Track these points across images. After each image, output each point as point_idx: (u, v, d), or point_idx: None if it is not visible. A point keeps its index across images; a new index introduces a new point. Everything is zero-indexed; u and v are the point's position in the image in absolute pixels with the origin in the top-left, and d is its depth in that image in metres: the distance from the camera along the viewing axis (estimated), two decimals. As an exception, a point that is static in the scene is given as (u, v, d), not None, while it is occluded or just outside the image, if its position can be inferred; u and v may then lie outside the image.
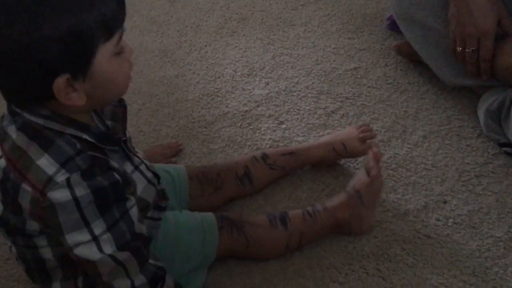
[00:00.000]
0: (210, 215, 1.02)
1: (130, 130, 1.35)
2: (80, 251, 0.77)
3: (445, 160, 1.25)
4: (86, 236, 0.76)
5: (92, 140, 0.78)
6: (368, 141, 1.19)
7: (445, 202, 1.16)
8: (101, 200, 0.76)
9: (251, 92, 1.47)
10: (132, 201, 0.83)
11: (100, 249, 0.78)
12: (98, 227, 0.77)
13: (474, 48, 1.22)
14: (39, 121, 0.76)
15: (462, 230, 1.11)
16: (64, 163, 0.74)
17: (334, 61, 1.56)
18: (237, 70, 1.54)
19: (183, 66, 1.57)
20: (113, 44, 0.75)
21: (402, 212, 1.14)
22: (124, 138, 0.87)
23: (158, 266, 0.87)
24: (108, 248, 0.78)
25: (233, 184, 1.13)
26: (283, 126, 1.36)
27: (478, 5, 1.19)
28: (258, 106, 1.42)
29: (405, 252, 1.07)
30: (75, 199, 0.74)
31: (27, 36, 0.68)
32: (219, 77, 1.52)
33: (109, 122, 0.87)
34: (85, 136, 0.77)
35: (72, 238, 0.76)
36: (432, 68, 1.40)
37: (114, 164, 0.80)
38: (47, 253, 0.84)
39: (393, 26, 1.59)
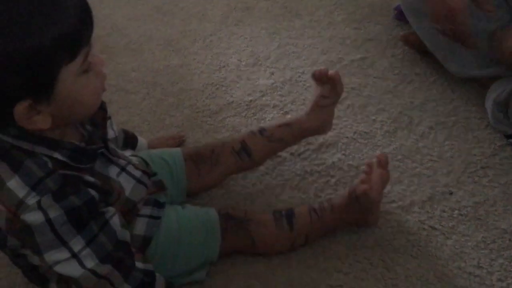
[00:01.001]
0: (214, 215, 1.00)
1: (135, 120, 1.36)
2: (61, 269, 0.76)
3: (451, 152, 1.24)
4: (65, 254, 0.75)
5: (64, 159, 0.75)
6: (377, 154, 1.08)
7: (450, 194, 1.15)
8: (76, 219, 0.74)
9: (256, 82, 1.46)
10: (111, 211, 0.81)
11: (81, 264, 0.76)
12: (77, 244, 0.75)
13: (452, 27, 1.20)
14: (8, 139, 0.72)
15: (468, 221, 1.10)
16: (34, 186, 0.71)
17: (340, 51, 1.54)
18: (242, 60, 1.53)
19: (188, 55, 1.56)
20: (78, 64, 0.70)
21: (407, 203, 1.14)
22: (101, 147, 0.83)
23: (146, 272, 0.85)
24: (90, 262, 0.77)
25: (231, 159, 1.11)
26: (288, 116, 1.35)
27: None
28: (263, 96, 1.41)
29: (409, 243, 1.06)
30: (48, 220, 0.72)
31: None
32: (224, 66, 1.51)
33: (88, 127, 0.83)
34: (56, 155, 0.74)
35: (50, 256, 0.75)
36: (439, 59, 1.39)
37: (89, 178, 0.77)
38: (36, 260, 0.82)
39: (400, 16, 1.58)
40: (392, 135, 1.29)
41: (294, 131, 1.16)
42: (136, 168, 0.91)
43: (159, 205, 0.96)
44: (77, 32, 0.68)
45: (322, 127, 1.18)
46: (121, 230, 0.82)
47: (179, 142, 1.29)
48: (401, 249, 1.05)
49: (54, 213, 0.72)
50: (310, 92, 1.41)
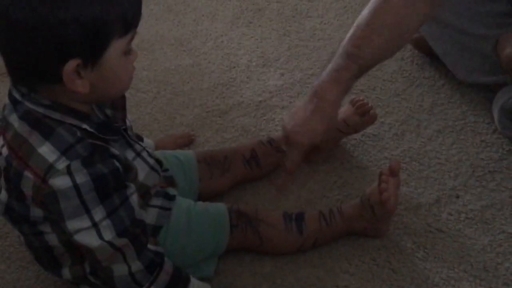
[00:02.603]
0: (223, 210, 1.02)
1: (145, 118, 1.37)
2: (80, 238, 0.79)
3: (459, 155, 1.25)
4: (86, 223, 0.78)
5: (92, 130, 0.79)
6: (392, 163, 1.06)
7: (457, 197, 1.16)
8: (101, 187, 0.77)
9: (265, 82, 1.47)
10: (132, 188, 0.84)
11: (100, 236, 0.79)
12: (98, 214, 0.78)
13: None
14: (40, 110, 0.77)
15: (474, 225, 1.11)
16: (65, 151, 0.75)
17: (349, 53, 1.55)
18: (252, 61, 1.54)
19: (199, 55, 1.58)
20: (126, 42, 0.77)
21: (414, 206, 1.14)
22: (124, 127, 0.88)
23: (156, 252, 0.88)
24: (108, 235, 0.80)
25: (241, 167, 1.14)
26: (297, 117, 1.36)
27: None
28: (272, 96, 1.42)
29: (416, 245, 1.07)
30: (76, 186, 0.75)
31: (53, 14, 0.69)
32: (234, 67, 1.53)
33: (108, 111, 0.88)
34: (84, 126, 0.78)
35: (72, 224, 0.78)
36: (447, 65, 1.39)
37: (115, 151, 0.81)
38: (53, 239, 0.85)
39: (410, 20, 1.58)
40: (400, 137, 1.30)
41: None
42: (150, 155, 0.94)
43: (170, 197, 0.98)
44: (135, 13, 0.76)
45: (329, 144, 1.23)
46: (139, 209, 0.85)
47: (189, 141, 1.30)
48: (408, 251, 1.06)
49: (82, 179, 0.75)
50: (319, 94, 1.42)
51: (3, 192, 0.83)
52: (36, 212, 0.81)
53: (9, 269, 1.05)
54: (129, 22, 0.76)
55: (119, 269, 0.84)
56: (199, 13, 1.74)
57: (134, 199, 0.84)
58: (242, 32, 1.65)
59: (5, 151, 0.80)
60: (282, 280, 1.02)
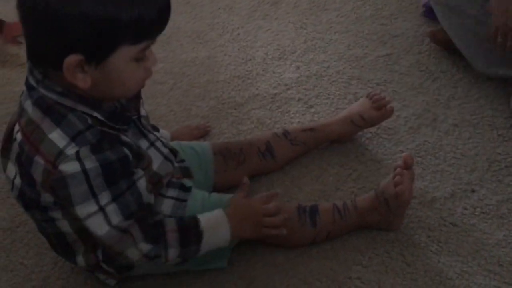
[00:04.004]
0: None
1: (161, 109, 1.39)
2: (90, 223, 0.81)
3: (476, 150, 1.24)
4: (94, 207, 0.79)
5: (102, 118, 0.80)
6: (404, 155, 1.06)
7: (473, 191, 1.15)
8: (109, 173, 0.78)
9: (281, 75, 1.47)
10: (139, 173, 0.85)
11: (107, 221, 0.81)
12: (104, 198, 0.79)
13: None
14: (53, 96, 0.78)
15: (489, 219, 1.10)
16: (74, 137, 0.77)
17: (366, 46, 1.55)
18: (269, 53, 1.55)
19: (215, 47, 1.58)
20: (137, 51, 0.76)
21: (428, 200, 1.14)
22: (135, 116, 0.88)
23: (154, 224, 0.87)
24: (115, 218, 0.81)
25: (256, 159, 1.15)
26: (312, 110, 1.36)
27: None
28: (288, 89, 1.43)
29: (430, 239, 1.07)
30: (84, 171, 0.77)
31: (64, 6, 0.71)
32: (250, 59, 1.53)
33: (123, 100, 0.88)
34: (95, 114, 0.80)
35: (81, 209, 0.79)
36: (466, 56, 1.38)
37: (126, 138, 0.82)
38: (64, 226, 0.87)
39: (428, 13, 1.57)
40: (416, 131, 1.29)
41: (317, 136, 1.20)
42: (164, 145, 0.95)
43: (185, 188, 0.99)
44: (152, 23, 0.75)
45: (344, 138, 1.24)
46: (147, 194, 0.86)
47: (204, 132, 1.31)
48: (421, 244, 1.06)
49: (90, 164, 0.77)
50: (335, 87, 1.42)
51: (18, 176, 0.85)
52: (47, 198, 0.83)
53: (28, 255, 1.07)
54: (143, 31, 0.75)
55: (134, 254, 0.86)
56: (216, 6, 1.74)
57: (142, 183, 0.85)
58: (258, 25, 1.66)
59: (19, 136, 0.82)
60: (295, 271, 1.03)
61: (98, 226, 0.81)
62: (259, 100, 1.40)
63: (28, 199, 0.85)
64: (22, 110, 0.82)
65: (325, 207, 1.05)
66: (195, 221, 0.91)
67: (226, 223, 0.93)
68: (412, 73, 1.45)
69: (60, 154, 0.76)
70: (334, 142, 1.25)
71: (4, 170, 0.88)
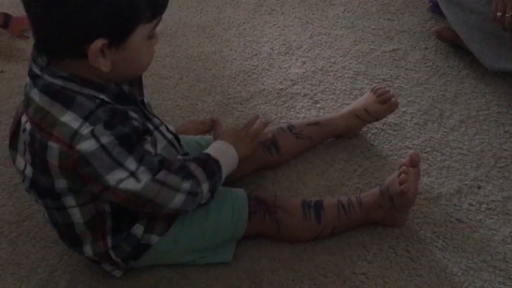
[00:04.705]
0: (242, 195, 1.02)
1: (167, 104, 1.39)
2: (124, 186, 0.82)
3: (482, 146, 1.24)
4: (124, 174, 0.82)
5: (109, 100, 0.82)
6: (410, 152, 1.05)
7: (479, 187, 1.15)
8: (125, 142, 0.81)
9: (287, 70, 1.47)
10: (147, 140, 0.87)
11: (139, 181, 0.83)
12: (131, 164, 0.82)
13: None
14: (59, 82, 0.80)
15: (495, 216, 1.10)
16: (87, 117, 0.79)
17: (372, 42, 1.54)
18: (274, 48, 1.54)
19: (221, 42, 1.58)
20: (151, 28, 0.81)
21: (434, 195, 1.14)
22: (140, 98, 0.91)
23: (180, 166, 0.89)
24: (146, 177, 0.84)
25: (261, 153, 1.14)
26: (318, 105, 1.36)
27: None
28: (294, 84, 1.42)
29: (435, 235, 1.07)
30: (102, 146, 0.79)
31: None
32: (256, 54, 1.53)
33: (126, 87, 0.90)
34: (102, 96, 0.82)
35: (112, 176, 0.81)
36: (473, 51, 1.38)
37: (133, 114, 0.84)
38: (76, 214, 0.88)
39: (435, 8, 1.56)
40: (422, 127, 1.29)
41: (322, 130, 1.20)
42: (168, 131, 0.96)
43: None
44: (162, 1, 0.80)
45: (349, 133, 1.25)
46: (158, 153, 0.89)
47: (210, 127, 1.31)
48: (427, 240, 1.06)
49: (106, 139, 0.79)
50: (341, 82, 1.42)
51: (28, 167, 0.86)
52: (61, 184, 0.84)
53: (34, 248, 1.08)
54: (157, 8, 0.79)
55: (177, 200, 0.88)
56: (222, 1, 1.74)
57: (149, 147, 0.87)
58: (264, 20, 1.65)
59: (28, 126, 0.83)
60: (300, 266, 1.03)
61: (134, 185, 0.83)
62: (265, 95, 1.40)
63: (41, 187, 0.86)
64: (28, 100, 0.83)
65: (330, 203, 1.05)
66: (206, 154, 0.96)
67: (228, 146, 0.99)
68: (418, 68, 1.45)
69: (75, 135, 0.78)
70: (340, 137, 1.25)
71: (14, 162, 0.90)
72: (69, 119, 0.79)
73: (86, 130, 0.78)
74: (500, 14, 1.21)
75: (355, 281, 1.00)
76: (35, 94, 0.81)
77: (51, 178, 0.84)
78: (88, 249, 0.94)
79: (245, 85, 1.44)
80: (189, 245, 0.99)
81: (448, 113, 1.32)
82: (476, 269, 1.01)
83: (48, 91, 0.80)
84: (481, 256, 1.03)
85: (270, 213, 1.02)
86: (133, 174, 0.82)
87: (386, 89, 1.22)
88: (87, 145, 0.78)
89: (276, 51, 1.53)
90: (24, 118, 0.85)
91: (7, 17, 1.61)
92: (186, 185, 0.88)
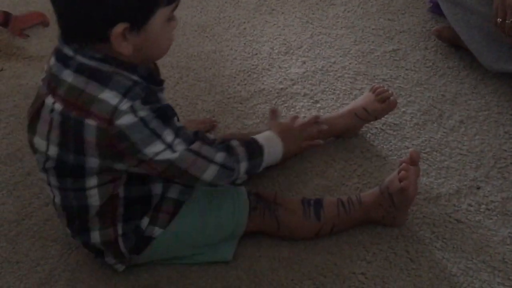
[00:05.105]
0: (243, 192, 1.03)
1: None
2: (160, 157, 0.85)
3: (481, 146, 1.24)
4: (161, 146, 0.85)
5: (141, 81, 0.85)
6: (411, 150, 1.07)
7: (478, 188, 1.15)
8: (162, 115, 0.85)
9: (287, 70, 1.47)
10: (176, 119, 0.91)
11: (175, 152, 0.86)
12: (168, 136, 0.85)
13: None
14: (93, 63, 0.83)
15: (494, 216, 1.10)
16: (126, 93, 0.81)
17: (372, 42, 1.54)
18: (275, 48, 1.55)
19: (221, 42, 1.58)
20: (170, 10, 0.84)
21: (433, 196, 1.14)
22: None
23: (222, 141, 0.95)
24: (181, 147, 0.87)
25: None
26: (318, 105, 1.36)
27: None
28: (294, 84, 1.42)
29: (434, 235, 1.07)
30: (141, 118, 0.82)
31: None
32: (256, 54, 1.53)
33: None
34: (134, 77, 0.84)
35: (149, 150, 0.84)
36: (473, 52, 1.38)
37: (162, 95, 0.89)
38: (93, 196, 0.89)
39: (435, 9, 1.56)
40: (422, 127, 1.29)
41: (322, 129, 1.19)
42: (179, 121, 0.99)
43: None
44: None
45: (349, 133, 1.25)
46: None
47: (210, 127, 1.31)
48: (426, 240, 1.06)
49: (144, 113, 0.82)
50: (341, 82, 1.42)
51: (52, 147, 0.87)
52: (91, 163, 0.86)
53: (33, 247, 1.08)
54: None
55: (211, 172, 0.90)
56: (222, 0, 1.74)
57: (179, 124, 0.90)
58: (265, 19, 1.65)
59: (58, 106, 0.84)
60: (299, 266, 1.03)
61: (169, 156, 0.85)
62: (265, 95, 1.40)
63: (68, 166, 0.87)
64: (57, 81, 0.84)
65: (330, 201, 1.06)
66: (253, 138, 1.00)
67: (277, 138, 1.03)
68: (418, 69, 1.45)
69: (115, 111, 0.81)
70: (339, 137, 1.25)
71: (32, 146, 0.90)
72: (108, 96, 0.81)
73: (125, 105, 0.81)
74: (500, 20, 1.21)
75: (354, 281, 1.00)
76: (68, 75, 0.83)
77: (82, 156, 0.85)
78: (96, 236, 0.94)
79: (245, 84, 1.44)
80: (190, 239, 0.99)
81: (447, 114, 1.32)
82: (475, 270, 1.01)
83: (83, 70, 0.83)
84: (480, 256, 1.03)
85: (270, 210, 1.03)
86: (169, 146, 0.85)
87: (385, 88, 1.23)
88: (126, 120, 0.81)
89: (276, 51, 1.53)
90: (50, 100, 0.85)
91: (7, 16, 1.61)
92: (220, 156, 0.91)
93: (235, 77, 1.46)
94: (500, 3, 1.20)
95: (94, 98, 0.82)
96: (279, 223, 1.03)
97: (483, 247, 1.05)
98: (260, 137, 1.01)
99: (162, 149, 0.85)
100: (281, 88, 1.41)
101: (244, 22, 1.65)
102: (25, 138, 1.30)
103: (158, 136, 0.84)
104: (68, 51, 0.84)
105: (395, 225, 1.08)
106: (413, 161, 1.02)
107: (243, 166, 0.95)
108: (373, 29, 1.59)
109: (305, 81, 1.43)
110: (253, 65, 1.49)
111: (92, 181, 0.88)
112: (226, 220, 1.00)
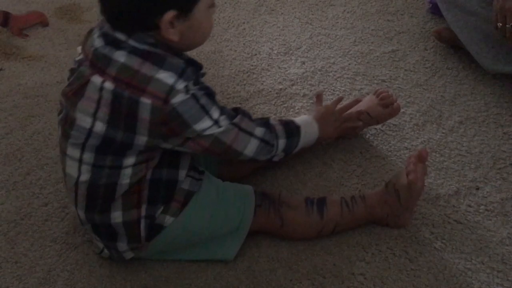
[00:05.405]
0: (250, 189, 1.05)
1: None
2: (207, 133, 0.91)
3: (480, 147, 1.24)
4: (209, 122, 0.90)
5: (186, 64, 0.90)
6: (420, 148, 1.13)
7: (477, 189, 1.15)
8: (209, 94, 0.91)
9: (286, 70, 1.47)
10: None
11: (221, 127, 0.92)
12: (215, 112, 0.91)
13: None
14: (145, 47, 0.87)
15: (494, 217, 1.10)
16: (181, 74, 0.86)
17: (372, 42, 1.54)
18: (274, 48, 1.55)
19: (221, 42, 1.58)
20: None
21: (433, 196, 1.14)
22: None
23: (262, 117, 1.02)
24: (226, 122, 0.93)
25: None
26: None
27: None
28: (293, 85, 1.42)
29: (433, 236, 1.07)
30: (193, 95, 0.88)
31: None
32: (256, 54, 1.53)
33: None
34: (183, 61, 0.89)
35: (198, 126, 0.89)
36: (472, 53, 1.38)
37: (202, 79, 0.93)
38: (126, 174, 0.92)
39: (435, 10, 1.57)
40: (421, 128, 1.29)
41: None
42: None
43: (199, 171, 1.03)
44: None
45: (350, 133, 1.25)
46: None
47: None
48: (425, 241, 1.06)
49: (195, 91, 0.88)
50: (340, 83, 1.42)
51: (99, 124, 0.89)
52: (140, 140, 0.89)
53: (32, 247, 1.08)
54: None
55: (252, 146, 0.96)
56: (221, 0, 1.74)
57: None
58: (264, 20, 1.65)
59: (109, 85, 0.87)
60: (298, 266, 1.03)
61: (215, 131, 0.91)
62: (264, 95, 1.40)
63: (113, 143, 0.89)
64: (109, 61, 0.87)
65: (333, 200, 1.07)
66: (290, 119, 1.07)
67: (314, 121, 1.09)
68: (417, 69, 1.45)
69: (171, 90, 0.86)
70: (339, 138, 1.25)
71: (71, 125, 0.91)
72: (165, 76, 0.85)
73: (181, 85, 0.86)
74: (501, 24, 1.21)
75: (354, 282, 1.00)
76: (121, 55, 0.87)
77: (132, 134, 0.88)
78: (118, 216, 0.95)
79: (244, 85, 1.44)
80: (197, 231, 1.00)
81: (447, 114, 1.32)
82: (474, 270, 1.01)
83: (138, 52, 0.87)
84: (479, 257, 1.03)
85: (275, 207, 1.04)
86: (216, 122, 0.91)
87: (389, 92, 1.23)
88: (180, 98, 0.86)
89: (275, 51, 1.53)
90: (97, 79, 0.88)
91: (6, 16, 1.61)
92: (260, 131, 0.97)
93: (234, 78, 1.46)
94: (500, 7, 1.21)
95: (151, 77, 0.85)
96: (282, 220, 1.04)
97: (482, 248, 1.05)
98: (297, 119, 1.08)
99: (209, 125, 0.90)
100: (281, 89, 1.41)
101: (244, 23, 1.65)
102: (24, 138, 1.30)
103: (206, 112, 0.89)
104: (120, 35, 0.88)
105: (399, 224, 1.07)
106: (421, 158, 1.04)
107: (282, 143, 1.01)
108: (372, 29, 1.59)
109: (304, 81, 1.43)
110: (252, 65, 1.49)
111: (130, 160, 0.91)
112: (233, 213, 1.02)
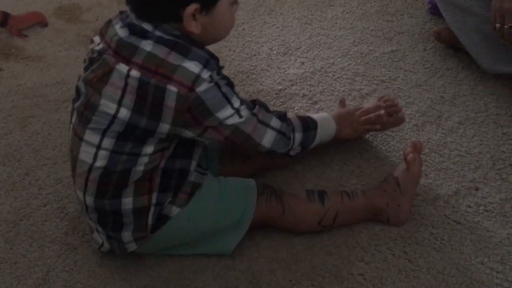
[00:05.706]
0: (252, 181, 1.07)
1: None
2: (229, 121, 0.94)
3: (480, 147, 1.24)
4: (230, 111, 0.93)
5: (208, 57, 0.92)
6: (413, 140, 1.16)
7: (477, 189, 1.15)
8: (230, 84, 0.94)
9: (286, 71, 1.47)
10: None
11: (242, 117, 0.95)
12: (236, 101, 0.94)
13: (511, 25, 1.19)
14: (171, 38, 0.90)
15: (493, 217, 1.10)
16: (206, 64, 0.89)
17: (371, 43, 1.54)
18: (273, 49, 1.55)
19: (220, 42, 1.56)
20: None
21: (432, 197, 1.14)
22: None
23: (279, 110, 1.04)
24: (247, 112, 0.96)
25: (262, 156, 1.14)
26: (317, 106, 1.36)
27: None
28: (292, 85, 1.42)
29: (433, 236, 1.07)
30: (216, 83, 0.91)
31: None
32: (255, 55, 1.53)
33: None
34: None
35: (221, 114, 0.92)
36: (472, 53, 1.38)
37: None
38: (143, 162, 0.93)
39: (434, 10, 1.57)
40: (420, 128, 1.29)
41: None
42: None
43: (203, 168, 1.04)
44: None
45: (354, 136, 1.23)
46: None
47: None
48: (424, 241, 1.06)
49: (219, 80, 0.92)
50: (340, 83, 1.42)
51: (124, 111, 0.90)
52: (163, 128, 0.91)
53: (31, 247, 1.08)
54: None
55: (269, 137, 0.99)
56: (221, 1, 1.74)
57: None
58: (263, 20, 1.65)
59: (135, 73, 0.89)
60: (297, 266, 1.03)
61: (236, 120, 0.94)
62: (263, 95, 1.40)
63: (136, 130, 0.90)
64: (135, 49, 0.89)
65: (333, 191, 1.10)
66: (307, 115, 1.11)
67: (332, 119, 1.14)
68: (417, 70, 1.45)
69: (197, 78, 0.88)
70: (357, 139, 1.24)
71: (93, 110, 0.92)
72: (191, 65, 0.88)
73: (206, 74, 0.89)
74: (499, 25, 1.22)
75: (353, 282, 1.00)
76: (147, 44, 0.89)
77: (156, 122, 0.90)
78: (128, 202, 0.96)
79: (244, 85, 1.44)
80: (201, 222, 1.01)
81: (446, 115, 1.32)
82: (473, 271, 1.01)
83: (165, 41, 0.89)
84: (478, 258, 1.03)
85: (276, 195, 1.06)
86: (237, 111, 0.94)
87: (395, 101, 1.23)
88: (204, 87, 0.89)
89: (275, 52, 1.53)
90: (123, 67, 0.90)
91: (5, 16, 1.61)
92: (276, 122, 1.00)
93: (233, 78, 1.45)
94: (498, 8, 1.21)
95: (177, 66, 0.88)
96: (284, 206, 1.05)
97: (481, 248, 1.05)
98: (315, 115, 1.12)
99: (231, 114, 0.93)
100: (280, 89, 1.41)
101: (243, 23, 1.65)
102: (23, 138, 1.30)
103: (228, 101, 0.92)
104: (147, 26, 0.90)
105: (399, 217, 1.07)
106: (416, 148, 1.09)
107: (298, 137, 1.04)
108: (372, 30, 1.59)
109: (303, 82, 1.43)
110: (251, 65, 1.49)
111: (149, 148, 0.93)
112: (236, 203, 1.03)
